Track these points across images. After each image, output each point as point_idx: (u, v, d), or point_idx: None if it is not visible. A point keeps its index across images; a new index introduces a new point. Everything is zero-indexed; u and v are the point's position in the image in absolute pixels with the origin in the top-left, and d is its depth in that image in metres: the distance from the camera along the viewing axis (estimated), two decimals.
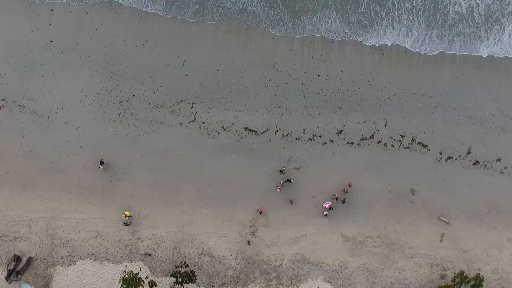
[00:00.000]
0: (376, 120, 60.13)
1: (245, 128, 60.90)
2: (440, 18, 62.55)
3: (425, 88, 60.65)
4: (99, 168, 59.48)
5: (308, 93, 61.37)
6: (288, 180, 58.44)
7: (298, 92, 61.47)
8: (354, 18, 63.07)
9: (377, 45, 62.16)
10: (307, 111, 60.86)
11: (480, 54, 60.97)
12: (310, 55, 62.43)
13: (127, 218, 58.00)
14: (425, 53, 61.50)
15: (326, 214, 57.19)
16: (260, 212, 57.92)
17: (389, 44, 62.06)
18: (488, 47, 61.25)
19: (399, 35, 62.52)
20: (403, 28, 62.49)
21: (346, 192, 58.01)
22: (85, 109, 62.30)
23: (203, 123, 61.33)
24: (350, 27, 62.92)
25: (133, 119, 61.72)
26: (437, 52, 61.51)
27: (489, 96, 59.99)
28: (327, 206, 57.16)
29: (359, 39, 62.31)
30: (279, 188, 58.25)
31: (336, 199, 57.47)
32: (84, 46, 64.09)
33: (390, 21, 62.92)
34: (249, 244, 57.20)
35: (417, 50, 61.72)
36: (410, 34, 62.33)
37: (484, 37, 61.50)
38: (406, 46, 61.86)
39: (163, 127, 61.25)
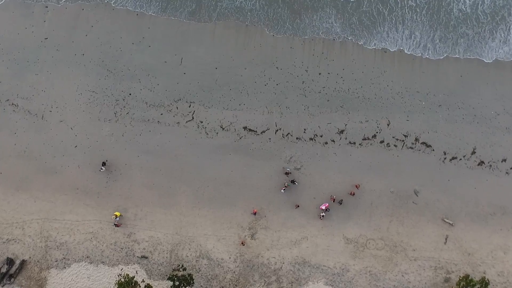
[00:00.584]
0: (378, 120, 59.10)
1: (244, 128, 59.78)
2: (443, 17, 61.17)
3: (428, 87, 59.69)
4: (101, 169, 58.46)
5: (309, 92, 60.29)
6: (293, 181, 57.40)
7: (299, 90, 60.41)
8: (356, 18, 61.62)
9: (379, 48, 60.71)
10: (308, 110, 59.77)
11: (486, 60, 59.58)
12: (311, 52, 61.30)
13: (117, 219, 56.96)
14: (428, 57, 60.19)
15: (323, 216, 56.28)
16: (255, 213, 56.89)
17: (392, 50, 60.45)
18: (493, 50, 59.63)
19: (402, 39, 60.90)
20: (406, 30, 60.90)
21: (354, 194, 57.06)
22: (80, 108, 61.22)
23: (201, 122, 60.17)
24: (351, 29, 61.39)
25: (130, 118, 60.65)
26: (441, 57, 60.15)
27: (494, 94, 59.02)
28: (323, 207, 56.30)
29: (360, 42, 60.86)
30: (284, 189, 57.13)
31: (334, 200, 56.62)
32: (80, 43, 63.04)
33: (393, 21, 61.41)
34: (243, 245, 56.21)
35: (419, 54, 60.22)
36: (413, 36, 60.77)
37: (488, 38, 60.04)
38: (408, 52, 60.25)
39: (160, 126, 60.21)
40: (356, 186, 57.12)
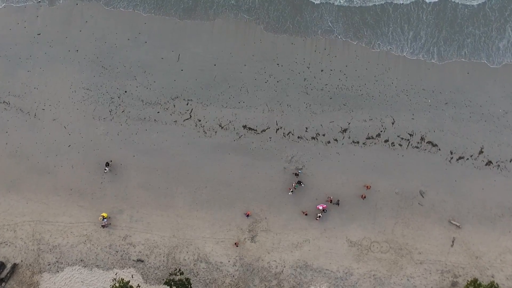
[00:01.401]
0: (383, 118, 57.47)
1: (244, 126, 58.19)
2: (449, 14, 58.96)
3: (434, 84, 58.01)
4: (105, 170, 56.99)
5: (311, 89, 58.60)
6: (299, 183, 55.89)
7: (300, 88, 58.77)
8: (358, 17, 59.57)
9: (385, 50, 58.67)
10: (310, 108, 58.10)
11: (493, 66, 57.46)
12: (312, 49, 59.59)
13: (104, 220, 55.63)
14: (433, 62, 58.22)
15: (320, 216, 54.86)
16: (248, 216, 55.49)
17: (397, 54, 58.35)
18: (500, 52, 57.31)
19: (407, 41, 58.61)
20: (411, 32, 58.72)
21: (365, 197, 55.57)
22: (74, 106, 59.63)
23: (199, 121, 58.49)
24: (355, 29, 59.23)
25: (125, 116, 59.06)
26: (447, 62, 58.19)
27: (502, 92, 57.34)
28: (320, 208, 54.95)
29: (363, 45, 58.96)
30: (292, 191, 55.71)
31: (331, 201, 55.27)
32: (73, 39, 61.39)
33: (399, 20, 59.31)
34: (237, 246, 54.79)
35: (424, 59, 58.23)
36: (418, 38, 58.60)
37: (496, 38, 57.98)
38: (413, 57, 58.00)
39: (157, 125, 58.62)
40: (367, 187, 55.50)
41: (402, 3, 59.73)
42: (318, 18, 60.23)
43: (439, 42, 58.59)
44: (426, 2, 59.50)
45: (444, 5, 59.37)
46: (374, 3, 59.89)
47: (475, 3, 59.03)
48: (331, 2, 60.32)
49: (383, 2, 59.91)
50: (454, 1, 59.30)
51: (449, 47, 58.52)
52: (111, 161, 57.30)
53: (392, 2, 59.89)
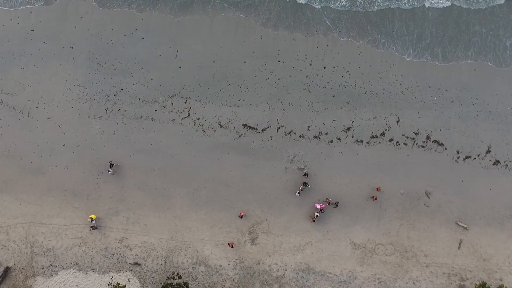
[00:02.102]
0: (387, 116, 55.89)
1: (244, 125, 56.61)
2: (455, 12, 57.38)
3: (440, 81, 56.43)
4: (109, 171, 55.42)
5: (313, 87, 57.01)
6: (305, 184, 54.28)
7: (302, 85, 57.17)
8: (361, 15, 57.83)
9: (389, 50, 57.04)
10: (312, 106, 56.51)
11: (500, 68, 55.76)
12: (315, 45, 57.93)
13: (93, 221, 54.33)
14: (437, 63, 56.62)
15: (317, 216, 53.39)
16: (241, 217, 54.03)
17: (401, 55, 56.74)
18: (508, 53, 55.74)
19: (412, 41, 56.89)
20: (416, 30, 57.04)
21: (376, 199, 54.02)
22: (69, 104, 58.00)
23: (198, 119, 56.95)
24: (358, 27, 57.54)
25: (121, 115, 57.47)
26: (449, 64, 56.52)
27: (510, 89, 55.84)
28: (319, 207, 53.54)
29: (366, 44, 57.33)
30: (299, 193, 54.37)
31: (329, 203, 53.84)
32: (68, 35, 59.71)
33: (403, 18, 57.64)
34: (232, 247, 53.37)
35: (427, 60, 56.53)
36: (423, 38, 56.88)
37: (503, 36, 56.36)
38: (419, 60, 56.38)
39: (154, 124, 57.06)
40: (378, 189, 53.96)
41: (407, 8, 58.31)
42: (320, 16, 58.59)
43: (444, 42, 56.95)
44: (431, 7, 58.05)
45: (449, 6, 57.90)
46: (379, 8, 58.30)
47: (483, 6, 57.51)
48: (332, 6, 58.68)
49: (392, 6, 58.36)
50: (461, 6, 57.73)
51: (454, 48, 56.87)
52: (111, 161, 55.68)
53: (397, 6, 58.49)
